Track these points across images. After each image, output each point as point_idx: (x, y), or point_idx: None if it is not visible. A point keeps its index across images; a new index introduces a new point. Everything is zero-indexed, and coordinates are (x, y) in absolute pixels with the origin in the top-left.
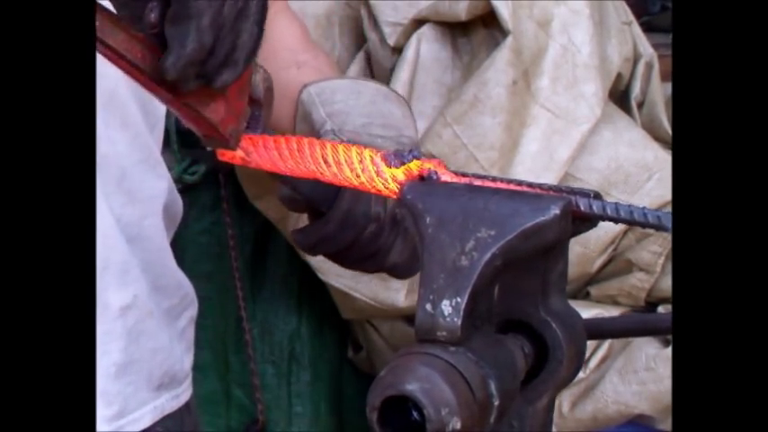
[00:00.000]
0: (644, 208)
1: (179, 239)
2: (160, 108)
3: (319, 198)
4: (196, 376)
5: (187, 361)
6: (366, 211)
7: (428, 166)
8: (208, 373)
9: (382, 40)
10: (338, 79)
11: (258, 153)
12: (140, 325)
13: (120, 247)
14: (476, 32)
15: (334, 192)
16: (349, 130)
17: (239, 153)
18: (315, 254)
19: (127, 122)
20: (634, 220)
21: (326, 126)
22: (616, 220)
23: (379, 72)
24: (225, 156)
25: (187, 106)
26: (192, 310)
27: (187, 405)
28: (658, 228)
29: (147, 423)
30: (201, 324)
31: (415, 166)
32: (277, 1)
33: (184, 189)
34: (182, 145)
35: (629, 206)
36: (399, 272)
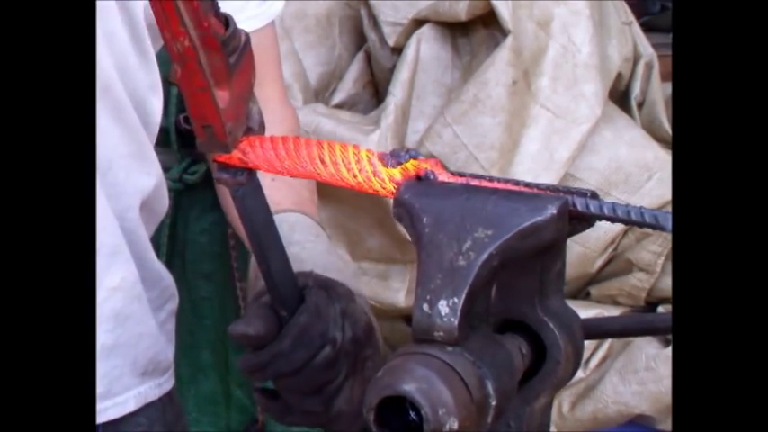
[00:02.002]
0: (641, 207)
1: (179, 239)
2: (157, 107)
3: (284, 289)
4: (196, 376)
5: (170, 351)
6: (324, 331)
7: (425, 165)
8: (208, 373)
9: (382, 40)
10: (297, 213)
11: (255, 153)
12: (128, 308)
13: (110, 228)
14: (476, 32)
15: (297, 299)
16: None
17: (237, 154)
18: (264, 377)
19: (120, 117)
20: (631, 220)
21: None
22: (613, 220)
23: (379, 72)
24: (222, 156)
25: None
26: (173, 304)
27: (169, 396)
28: (655, 227)
29: (130, 408)
30: (201, 324)
31: (411, 165)
32: (272, 89)
33: (184, 189)
34: (182, 145)
35: (626, 205)
36: (344, 423)
